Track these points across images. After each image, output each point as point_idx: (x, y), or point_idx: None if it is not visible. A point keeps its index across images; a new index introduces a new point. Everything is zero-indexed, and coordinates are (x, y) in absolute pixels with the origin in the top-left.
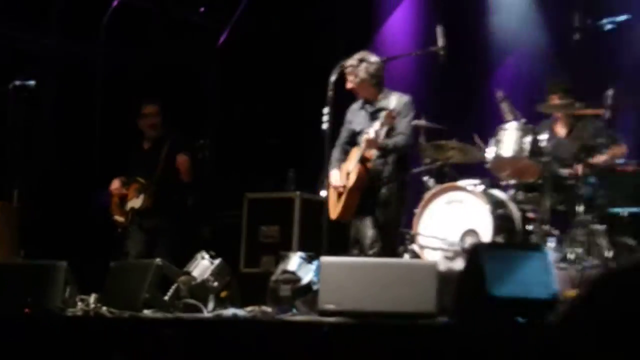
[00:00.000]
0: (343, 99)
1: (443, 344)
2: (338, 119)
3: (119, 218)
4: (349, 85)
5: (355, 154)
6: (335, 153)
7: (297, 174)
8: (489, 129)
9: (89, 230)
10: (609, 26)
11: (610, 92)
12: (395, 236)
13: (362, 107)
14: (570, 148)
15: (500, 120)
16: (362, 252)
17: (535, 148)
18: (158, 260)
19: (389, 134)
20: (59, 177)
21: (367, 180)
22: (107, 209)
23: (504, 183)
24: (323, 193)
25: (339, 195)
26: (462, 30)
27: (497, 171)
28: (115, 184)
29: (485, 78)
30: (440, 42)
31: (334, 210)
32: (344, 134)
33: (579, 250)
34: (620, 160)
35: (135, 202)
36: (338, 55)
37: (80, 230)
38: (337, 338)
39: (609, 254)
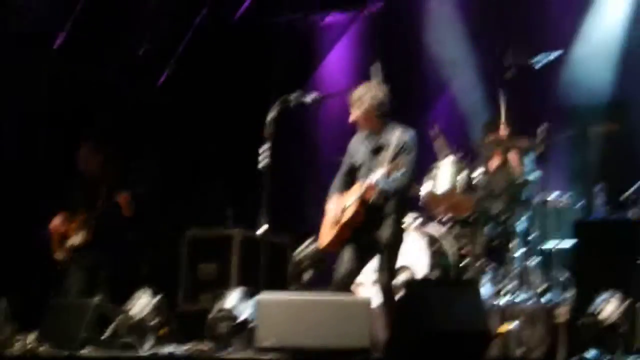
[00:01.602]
0: (282, 137)
1: None
2: (276, 156)
3: (60, 255)
4: (353, 116)
5: (356, 189)
6: (336, 182)
7: (236, 212)
8: (425, 165)
9: (29, 266)
10: (541, 62)
11: (541, 128)
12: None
13: (364, 141)
14: (503, 183)
15: (435, 156)
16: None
17: (469, 184)
18: (96, 299)
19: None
20: None
21: (363, 219)
22: (47, 244)
23: (439, 218)
24: (262, 229)
25: (332, 226)
26: (398, 68)
27: (431, 207)
28: (56, 222)
29: (420, 115)
30: (377, 78)
31: (325, 240)
32: (344, 166)
33: (513, 284)
34: (553, 196)
35: (75, 239)
36: (276, 94)
37: (20, 266)
38: None
39: (541, 288)
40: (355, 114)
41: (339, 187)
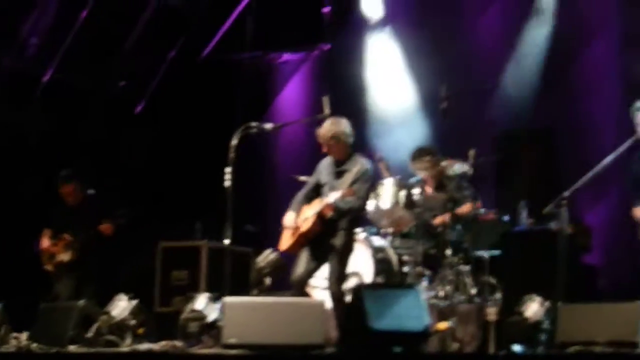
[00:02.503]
0: (243, 161)
1: None
2: (240, 176)
3: (49, 268)
4: (325, 148)
5: (317, 204)
6: (299, 197)
7: (204, 225)
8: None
9: (23, 275)
10: (470, 95)
11: (472, 152)
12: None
13: (331, 164)
14: (439, 200)
15: (379, 177)
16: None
17: (409, 201)
18: (82, 302)
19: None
20: None
21: (319, 231)
22: (37, 257)
23: (383, 231)
24: (226, 241)
25: (293, 233)
26: (345, 99)
27: (376, 221)
28: (45, 242)
29: (365, 142)
30: (326, 110)
31: (285, 244)
32: (311, 182)
33: (448, 288)
34: (482, 210)
35: (64, 256)
36: (239, 122)
37: (15, 273)
38: None
39: (473, 291)
40: (330, 147)
41: (303, 200)
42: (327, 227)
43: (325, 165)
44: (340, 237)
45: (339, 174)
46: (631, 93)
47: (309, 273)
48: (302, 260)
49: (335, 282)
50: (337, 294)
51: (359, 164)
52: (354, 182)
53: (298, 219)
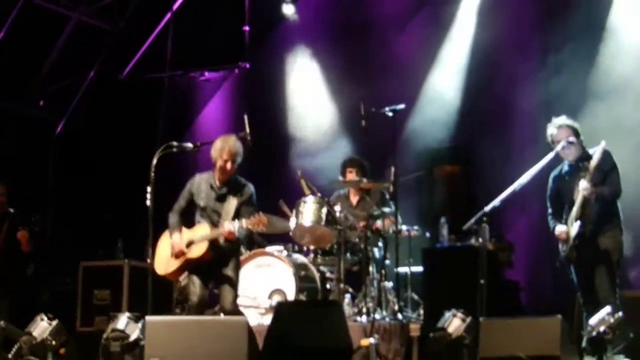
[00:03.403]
0: (164, 179)
1: None
2: (162, 194)
3: None
4: (227, 164)
5: (202, 229)
6: (174, 218)
7: (125, 244)
8: (291, 203)
9: None
10: (389, 113)
11: (391, 169)
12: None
13: (208, 186)
14: (360, 215)
15: (300, 195)
16: (189, 310)
17: (330, 218)
18: (1, 322)
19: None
20: None
21: (210, 258)
22: None
23: (305, 248)
24: (148, 260)
25: (176, 257)
26: (265, 118)
27: (299, 238)
28: None
29: (285, 159)
30: (247, 128)
31: (164, 267)
32: (182, 203)
33: (371, 304)
34: (404, 227)
35: None
36: (160, 141)
37: None
38: None
39: (396, 307)
40: (231, 165)
41: (178, 223)
42: (216, 253)
43: (201, 186)
44: (232, 265)
45: (220, 197)
46: (548, 109)
47: (206, 297)
48: (197, 285)
49: (234, 304)
50: (234, 313)
51: (246, 187)
52: (240, 206)
53: (180, 243)
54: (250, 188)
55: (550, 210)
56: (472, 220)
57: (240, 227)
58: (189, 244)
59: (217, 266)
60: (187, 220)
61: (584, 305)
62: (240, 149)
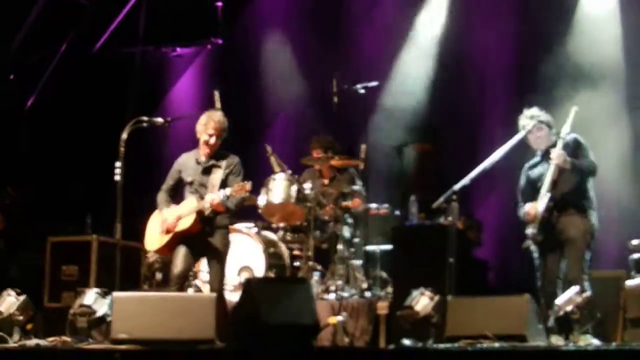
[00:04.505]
0: (134, 154)
1: None
2: (131, 170)
3: None
4: (213, 139)
5: (190, 203)
6: (162, 196)
7: (94, 219)
8: (261, 179)
9: None
10: (361, 90)
11: (362, 147)
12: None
13: (194, 161)
14: (331, 194)
15: (270, 172)
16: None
17: (300, 195)
18: None
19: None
20: None
21: (198, 229)
22: None
23: (274, 225)
24: (117, 236)
25: (166, 232)
26: (237, 94)
27: (268, 216)
28: None
29: (258, 135)
30: (217, 104)
31: (155, 243)
32: (170, 182)
33: (340, 282)
34: (374, 205)
35: None
36: (130, 116)
37: None
38: None
39: (364, 285)
40: (216, 140)
41: (165, 201)
42: (204, 225)
43: (187, 162)
44: (219, 236)
45: (206, 170)
46: (523, 90)
47: (188, 269)
48: (180, 257)
49: (219, 280)
50: (220, 292)
51: (229, 157)
52: (226, 177)
53: (171, 218)
54: (235, 158)
55: (520, 203)
56: (442, 199)
57: (225, 196)
58: (179, 219)
59: (205, 238)
60: (177, 201)
61: (541, 290)
62: (226, 124)
